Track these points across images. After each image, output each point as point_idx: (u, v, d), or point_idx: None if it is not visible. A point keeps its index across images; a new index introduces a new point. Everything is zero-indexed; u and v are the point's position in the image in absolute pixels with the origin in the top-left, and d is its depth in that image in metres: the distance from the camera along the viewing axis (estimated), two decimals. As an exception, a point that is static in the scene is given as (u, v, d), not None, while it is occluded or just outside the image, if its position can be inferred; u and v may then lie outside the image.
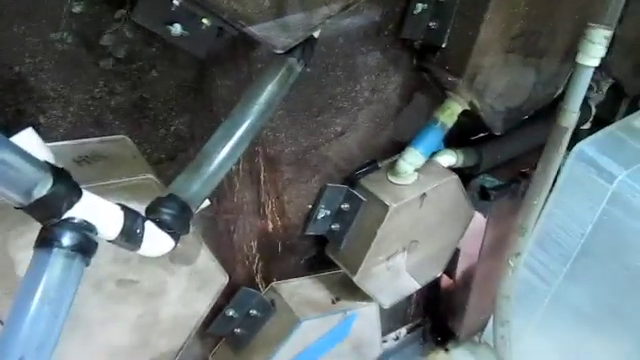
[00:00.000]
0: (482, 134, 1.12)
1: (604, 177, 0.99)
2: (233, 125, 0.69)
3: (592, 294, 1.15)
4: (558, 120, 0.89)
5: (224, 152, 0.67)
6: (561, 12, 0.92)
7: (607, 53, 1.09)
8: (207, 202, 0.72)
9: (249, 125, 0.68)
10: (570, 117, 0.88)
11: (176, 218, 0.62)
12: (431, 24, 0.88)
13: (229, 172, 0.83)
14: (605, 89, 1.20)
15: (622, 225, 1.01)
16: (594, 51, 0.83)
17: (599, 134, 1.05)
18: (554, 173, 0.95)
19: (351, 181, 0.99)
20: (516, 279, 1.10)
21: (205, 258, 0.77)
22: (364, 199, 0.95)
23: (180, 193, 0.64)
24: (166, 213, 0.62)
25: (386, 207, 0.93)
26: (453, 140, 1.07)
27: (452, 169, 1.06)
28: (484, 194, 1.12)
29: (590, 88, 1.18)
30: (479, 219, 1.16)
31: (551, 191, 1.03)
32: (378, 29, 0.89)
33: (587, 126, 1.27)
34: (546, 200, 1.06)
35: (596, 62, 0.84)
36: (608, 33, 0.82)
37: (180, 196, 0.64)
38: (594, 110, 1.25)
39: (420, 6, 0.87)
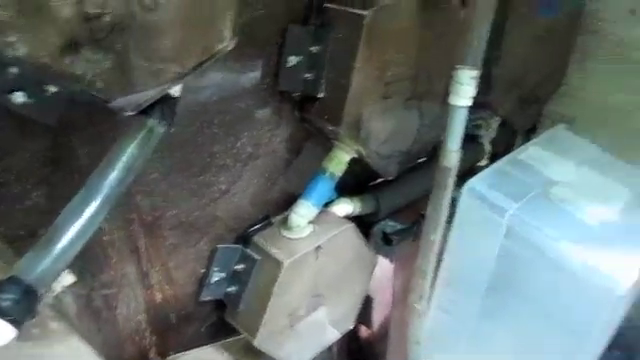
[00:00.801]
0: (380, 179, 1.12)
1: (496, 212, 1.00)
2: (88, 195, 0.64)
3: (509, 329, 1.14)
4: (440, 161, 0.90)
5: (77, 225, 0.62)
6: (433, 56, 0.94)
7: (490, 92, 1.15)
8: (71, 279, 0.66)
9: (106, 194, 0.64)
10: (451, 157, 0.89)
11: (17, 303, 0.56)
12: (307, 75, 0.88)
13: (103, 243, 0.78)
14: (494, 126, 1.24)
15: (519, 258, 1.01)
16: (463, 92, 0.84)
17: (488, 170, 1.07)
18: (445, 213, 0.95)
19: (244, 239, 0.96)
20: (424, 323, 1.08)
21: (75, 344, 0.71)
22: (258, 257, 0.92)
23: (24, 274, 0.58)
24: (5, 299, 0.56)
25: (280, 263, 0.89)
26: (350, 188, 1.06)
27: (351, 217, 1.04)
28: (386, 239, 1.11)
29: (479, 126, 1.23)
30: (387, 265, 1.15)
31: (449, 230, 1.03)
32: (255, 83, 0.88)
33: (484, 162, 1.30)
34: (446, 240, 1.06)
35: (467, 102, 0.86)
36: (474, 73, 0.84)
37: (24, 277, 0.58)
38: (488, 147, 1.28)
39: (294, 59, 0.87)
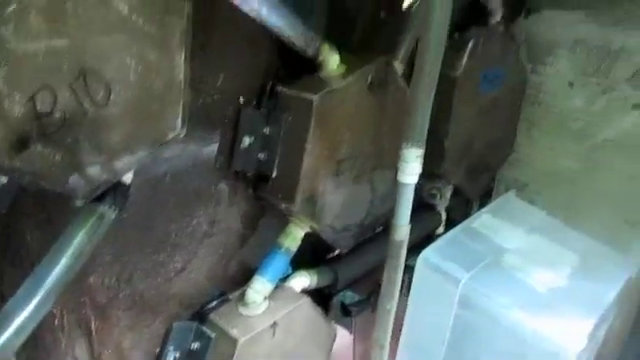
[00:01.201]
0: (338, 251, 1.14)
1: (450, 281, 1.03)
2: (36, 282, 0.65)
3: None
4: (391, 235, 0.93)
5: (25, 312, 0.63)
6: (382, 133, 0.99)
7: (442, 163, 1.20)
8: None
9: (54, 281, 0.65)
10: (401, 231, 0.92)
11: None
12: (260, 155, 0.91)
13: (52, 328, 0.77)
14: (448, 195, 1.28)
15: (474, 326, 1.03)
16: (410, 169, 0.88)
17: (442, 239, 1.10)
18: (398, 285, 0.97)
19: (201, 317, 0.95)
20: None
21: None
22: (213, 335, 0.91)
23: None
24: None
25: (235, 341, 0.89)
26: (307, 260, 1.08)
27: (309, 290, 1.05)
28: (345, 311, 1.12)
29: (434, 196, 1.27)
30: (346, 336, 1.15)
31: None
32: (210, 163, 0.90)
33: (441, 230, 1.34)
34: (404, 311, 1.08)
35: (414, 179, 0.89)
36: (419, 152, 0.88)
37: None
38: (444, 215, 1.32)
39: (248, 140, 0.90)
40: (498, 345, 1.01)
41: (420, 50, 0.85)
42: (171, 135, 0.70)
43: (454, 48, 1.18)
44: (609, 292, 1.03)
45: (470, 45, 1.18)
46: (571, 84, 1.33)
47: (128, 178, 0.72)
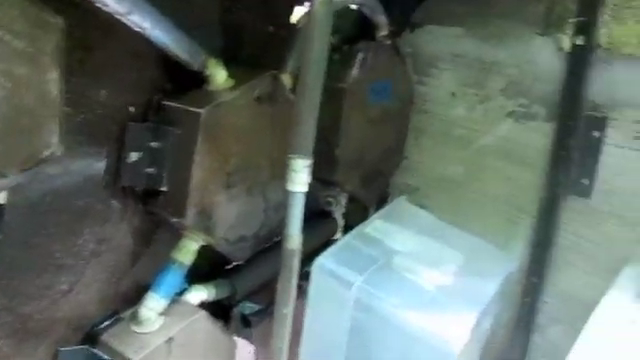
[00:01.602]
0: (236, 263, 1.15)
1: (344, 286, 1.07)
2: None
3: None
4: (284, 244, 0.95)
5: None
6: (273, 145, 1.01)
7: (335, 171, 1.24)
8: None
9: None
10: (293, 240, 0.94)
11: None
12: (148, 170, 0.90)
13: None
14: (343, 202, 1.33)
15: (370, 328, 1.07)
16: (298, 179, 0.90)
17: (336, 245, 1.14)
18: (293, 293, 0.99)
19: (92, 339, 0.92)
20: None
21: None
22: (105, 357, 0.89)
23: None
24: None
25: (128, 361, 0.87)
26: (205, 273, 1.08)
27: (208, 303, 1.05)
28: (245, 321, 1.13)
29: (330, 203, 1.31)
30: (248, 347, 1.16)
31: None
32: (96, 180, 0.88)
33: (339, 236, 1.38)
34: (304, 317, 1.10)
35: (304, 188, 0.92)
36: (307, 162, 0.91)
37: None
38: (341, 221, 1.37)
39: (134, 155, 0.89)
40: (391, 344, 1.06)
41: (303, 64, 0.88)
42: (47, 152, 0.68)
43: (343, 61, 1.23)
44: (491, 287, 1.11)
45: (358, 58, 1.23)
46: (453, 94, 1.42)
47: (2, 198, 0.69)
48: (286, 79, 1.04)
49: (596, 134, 1.21)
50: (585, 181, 1.23)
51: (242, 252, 1.03)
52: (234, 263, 1.13)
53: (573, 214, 1.26)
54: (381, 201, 1.56)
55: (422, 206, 1.46)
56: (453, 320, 1.01)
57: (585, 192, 1.24)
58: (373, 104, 1.31)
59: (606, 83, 1.18)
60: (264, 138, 1.00)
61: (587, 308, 1.00)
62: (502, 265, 1.17)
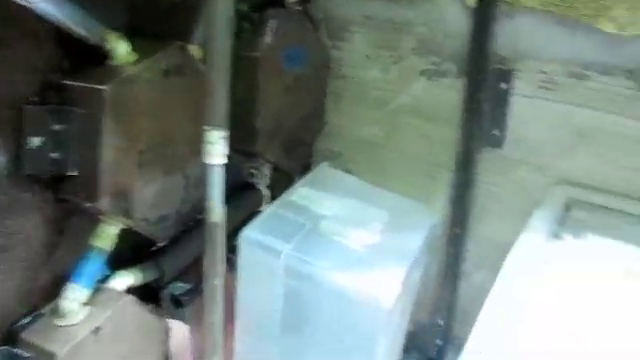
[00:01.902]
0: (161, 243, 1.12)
1: (272, 254, 1.07)
2: None
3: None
4: (207, 218, 0.93)
5: None
6: (187, 121, 0.98)
7: (255, 142, 1.22)
8: None
9: None
10: (216, 213, 0.93)
11: None
12: (53, 155, 0.85)
13: None
14: (267, 172, 1.32)
15: (302, 294, 1.08)
16: (215, 150, 0.88)
17: (261, 216, 1.13)
18: (221, 266, 0.98)
19: (11, 338, 0.88)
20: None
21: None
22: (28, 355, 0.85)
23: None
24: None
25: (54, 356, 0.83)
26: (130, 258, 1.04)
27: (136, 288, 1.02)
28: (177, 302, 1.10)
29: (253, 175, 1.29)
30: (182, 328, 1.14)
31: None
32: (-3, 171, 0.82)
33: (265, 207, 1.37)
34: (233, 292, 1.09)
35: (221, 160, 0.90)
36: (223, 133, 0.89)
37: None
38: (266, 192, 1.36)
39: (36, 140, 0.84)
40: (326, 306, 1.08)
41: (209, 33, 0.85)
42: None
43: (253, 29, 1.21)
44: (416, 241, 1.15)
45: (269, 25, 1.21)
46: (367, 57, 1.43)
47: None
48: (194, 50, 1.00)
49: (504, 86, 1.26)
50: (496, 132, 1.28)
51: (165, 231, 1.01)
52: (159, 244, 1.10)
53: (488, 164, 1.32)
54: (305, 169, 1.56)
55: (346, 170, 1.48)
56: (383, 276, 1.03)
57: (497, 142, 1.29)
58: (288, 72, 1.30)
59: (510, 36, 1.22)
60: (177, 113, 0.97)
61: (506, 251, 1.06)
62: (425, 219, 1.21)
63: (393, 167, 1.47)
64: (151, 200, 0.95)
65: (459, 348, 0.86)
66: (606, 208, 1.15)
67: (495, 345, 0.92)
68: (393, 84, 1.42)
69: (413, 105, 1.41)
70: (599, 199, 1.17)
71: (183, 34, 1.02)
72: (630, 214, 1.13)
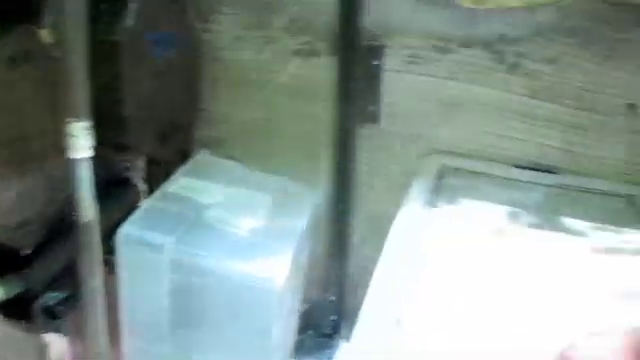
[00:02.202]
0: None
1: (155, 250, 1.01)
2: None
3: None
4: (78, 217, 0.86)
5: None
6: (43, 114, 0.89)
7: (126, 134, 1.15)
8: None
9: None
10: (86, 211, 0.86)
11: None
12: None
13: None
14: (142, 165, 1.25)
15: (192, 287, 1.04)
16: (79, 144, 0.82)
17: (139, 211, 1.07)
18: (98, 267, 0.91)
19: None
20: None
21: None
22: None
23: None
24: None
25: None
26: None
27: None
28: (51, 313, 1.01)
29: (127, 169, 1.22)
30: (61, 340, 1.05)
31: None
32: None
33: (143, 202, 1.30)
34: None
35: (87, 153, 0.83)
36: (86, 124, 0.82)
37: None
38: (143, 186, 1.29)
39: None
40: (217, 297, 1.05)
41: (60, 15, 0.78)
42: None
43: (113, 11, 1.12)
44: (301, 222, 1.15)
45: (131, 7, 1.13)
46: (239, 38, 1.40)
47: None
48: (45, 35, 0.91)
49: (375, 62, 1.29)
50: (372, 108, 1.31)
51: (28, 238, 0.92)
52: (23, 252, 1.00)
53: (366, 140, 1.35)
54: (184, 158, 1.50)
55: (229, 157, 1.44)
56: (270, 259, 1.02)
57: (373, 118, 1.33)
58: (157, 57, 1.23)
59: (379, 13, 1.25)
60: (31, 105, 0.88)
61: (390, 222, 1.09)
62: (309, 200, 1.21)
63: (275, 150, 1.45)
64: (8, 204, 0.86)
65: (353, 321, 0.88)
66: (475, 173, 1.23)
67: (386, 314, 0.95)
68: (268, 65, 1.40)
69: (290, 86, 1.40)
70: (468, 165, 1.24)
71: (30, 16, 0.92)
72: (496, 176, 1.22)
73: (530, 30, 1.18)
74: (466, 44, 1.22)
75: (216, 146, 1.48)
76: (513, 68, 1.21)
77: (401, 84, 1.28)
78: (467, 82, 1.24)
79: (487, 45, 1.21)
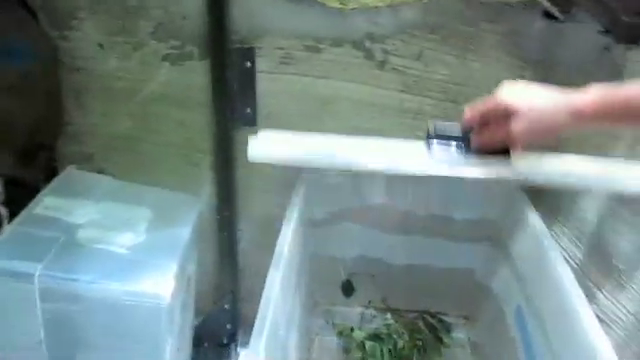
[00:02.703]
0: None
1: (23, 280, 0.92)
2: None
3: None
4: None
5: None
6: None
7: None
8: None
9: None
10: None
11: None
12: None
13: None
14: (0, 187, 1.13)
15: (69, 315, 0.96)
16: None
17: (1, 238, 0.97)
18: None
19: None
20: None
21: None
22: None
23: None
24: None
25: None
26: None
27: None
28: None
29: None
30: None
31: None
32: None
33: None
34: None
35: None
36: None
37: None
38: (4, 210, 1.17)
39: None
40: (97, 321, 0.98)
41: None
42: None
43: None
44: (184, 232, 1.11)
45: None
46: (101, 45, 1.31)
47: None
48: None
49: (248, 64, 1.28)
50: (248, 110, 1.30)
51: None
52: None
53: (245, 142, 1.33)
54: (50, 177, 1.39)
55: (101, 171, 1.36)
56: (154, 275, 0.98)
57: (250, 121, 1.31)
58: (8, 69, 1.12)
59: (247, 15, 1.24)
60: None
61: (277, 224, 1.09)
62: (191, 209, 1.18)
63: (152, 160, 1.39)
64: None
65: (250, 327, 0.86)
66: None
67: (282, 318, 0.95)
68: (136, 73, 1.33)
69: (162, 92, 1.35)
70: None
71: None
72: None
73: (395, 28, 1.24)
74: (336, 43, 1.25)
75: (86, 161, 1.38)
76: (382, 65, 1.26)
77: (275, 85, 1.29)
78: (340, 80, 1.27)
79: (356, 44, 1.25)
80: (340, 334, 1.42)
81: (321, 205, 1.38)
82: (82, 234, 1.02)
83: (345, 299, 1.51)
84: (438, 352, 1.37)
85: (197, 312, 1.42)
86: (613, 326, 0.98)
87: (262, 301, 0.86)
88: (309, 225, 1.34)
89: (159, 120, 1.36)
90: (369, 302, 1.50)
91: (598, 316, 0.88)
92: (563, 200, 1.19)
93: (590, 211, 1.10)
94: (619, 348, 0.94)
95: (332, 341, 1.41)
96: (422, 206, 1.35)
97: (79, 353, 1.00)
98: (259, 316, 0.82)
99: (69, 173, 1.21)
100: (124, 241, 1.03)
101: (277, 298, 0.89)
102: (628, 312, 0.96)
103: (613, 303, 0.99)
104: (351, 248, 1.45)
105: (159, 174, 1.36)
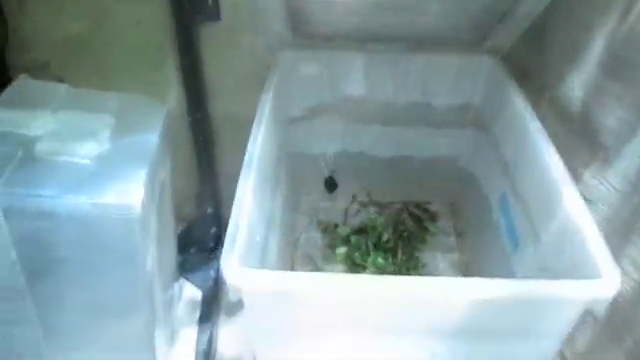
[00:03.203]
0: None
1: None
2: None
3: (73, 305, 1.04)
4: None
5: None
6: None
7: None
8: None
9: None
10: None
11: None
12: None
13: None
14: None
15: (35, 233, 0.92)
16: None
17: (-48, 158, 0.90)
18: None
19: None
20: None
21: None
22: None
23: None
24: None
25: None
26: None
27: None
28: None
29: None
30: None
31: None
32: None
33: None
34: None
35: None
36: None
37: None
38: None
39: None
40: (71, 236, 0.93)
41: None
42: None
43: None
44: (152, 138, 1.04)
45: None
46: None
47: None
48: None
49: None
50: (209, 2, 1.18)
51: None
52: None
53: (211, 39, 1.24)
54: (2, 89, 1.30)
55: (59, 79, 1.26)
56: (122, 184, 0.92)
57: (214, 14, 1.21)
58: None
59: None
60: None
61: (249, 121, 1.03)
62: (157, 112, 1.10)
63: (112, 64, 1.30)
64: None
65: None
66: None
67: (259, 221, 0.92)
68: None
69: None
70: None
71: None
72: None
73: None
74: None
75: (41, 69, 1.29)
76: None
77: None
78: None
79: None
80: (325, 230, 1.41)
81: (296, 100, 1.31)
82: (40, 147, 0.95)
83: (328, 195, 1.49)
84: (423, 241, 1.37)
85: (182, 220, 1.40)
86: (599, 203, 0.96)
87: (233, 207, 0.82)
88: (285, 122, 1.28)
89: (116, 20, 1.25)
90: (353, 197, 1.48)
91: (584, 195, 0.86)
92: (550, 77, 1.13)
93: (577, 88, 1.04)
94: (603, 223, 0.93)
95: (317, 237, 1.40)
96: (402, 95, 1.29)
97: (56, 270, 0.97)
98: (231, 222, 0.79)
99: (21, 83, 1.11)
100: (87, 151, 0.96)
101: (250, 202, 0.84)
102: (614, 188, 0.94)
103: (600, 181, 0.96)
104: (331, 144, 1.41)
105: (122, 78, 1.27)
